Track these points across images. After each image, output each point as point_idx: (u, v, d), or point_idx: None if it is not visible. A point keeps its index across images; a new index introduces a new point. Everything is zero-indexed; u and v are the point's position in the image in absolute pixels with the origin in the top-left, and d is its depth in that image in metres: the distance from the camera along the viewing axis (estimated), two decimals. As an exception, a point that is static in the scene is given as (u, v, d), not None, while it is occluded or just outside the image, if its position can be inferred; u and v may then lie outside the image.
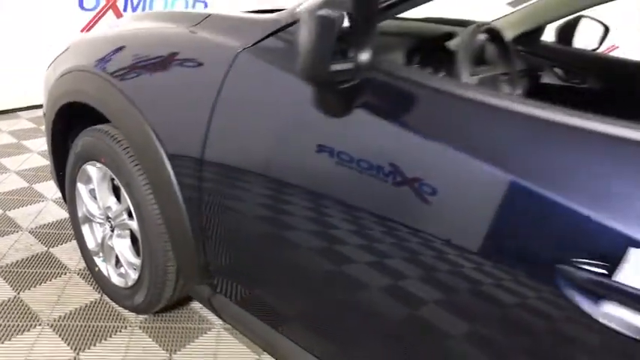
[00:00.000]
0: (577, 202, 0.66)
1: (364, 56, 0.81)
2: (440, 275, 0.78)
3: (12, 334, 1.47)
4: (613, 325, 0.63)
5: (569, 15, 2.01)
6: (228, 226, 1.16)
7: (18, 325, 1.50)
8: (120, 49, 1.37)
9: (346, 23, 0.76)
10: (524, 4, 1.94)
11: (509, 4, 1.93)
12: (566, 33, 2.06)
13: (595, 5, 1.95)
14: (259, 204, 1.06)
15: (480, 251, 0.73)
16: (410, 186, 0.79)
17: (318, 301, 1.05)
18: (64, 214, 2.12)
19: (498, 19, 2.04)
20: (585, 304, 0.65)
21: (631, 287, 0.61)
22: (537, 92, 2.01)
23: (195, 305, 1.68)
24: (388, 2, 0.86)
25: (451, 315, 0.80)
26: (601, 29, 2.12)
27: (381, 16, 0.90)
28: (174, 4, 3.76)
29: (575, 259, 0.65)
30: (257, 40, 1.04)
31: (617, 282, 0.62)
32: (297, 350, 1.12)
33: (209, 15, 1.27)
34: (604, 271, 0.63)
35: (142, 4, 3.58)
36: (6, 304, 1.58)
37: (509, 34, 2.02)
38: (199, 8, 3.92)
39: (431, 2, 0.98)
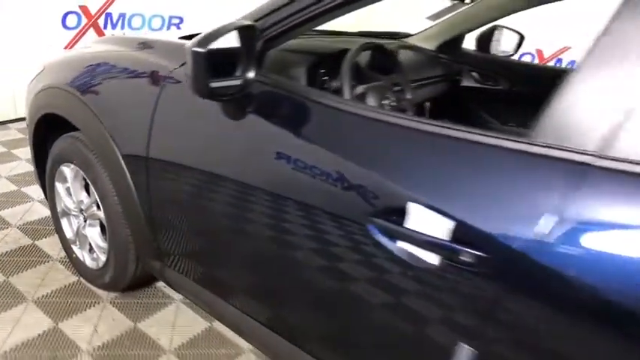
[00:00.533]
0: (382, 175, 0.95)
1: (250, 74, 1.11)
2: (294, 233, 1.08)
3: (2, 310, 1.75)
4: (406, 259, 0.92)
5: (485, 25, 2.31)
6: (170, 212, 1.45)
7: (7, 302, 1.79)
8: (85, 69, 1.66)
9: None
10: (442, 18, 2.24)
11: (429, 18, 2.22)
12: (484, 41, 2.36)
13: (506, 16, 2.25)
14: (192, 193, 1.35)
15: (324, 216, 1.03)
16: (282, 165, 1.09)
17: (250, 271, 1.33)
18: (47, 212, 2.40)
19: (421, 31, 2.34)
20: (389, 245, 0.94)
21: (411, 230, 0.90)
22: (457, 93, 2.31)
23: (160, 284, 1.96)
24: (271, 35, 1.15)
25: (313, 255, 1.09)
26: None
27: (271, 43, 1.19)
28: (151, 21, 4.06)
29: (381, 214, 0.95)
30: (182, 62, 1.33)
31: (405, 227, 0.91)
32: (240, 315, 1.38)
33: (157, 41, 1.56)
34: (399, 219, 0.92)
35: (121, 21, 3.88)
36: (-3, 287, 1.87)
37: (431, 44, 2.33)
38: (174, 25, 4.21)
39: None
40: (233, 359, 1.65)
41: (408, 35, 2.36)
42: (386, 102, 1.49)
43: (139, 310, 1.82)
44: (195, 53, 0.98)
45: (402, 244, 0.93)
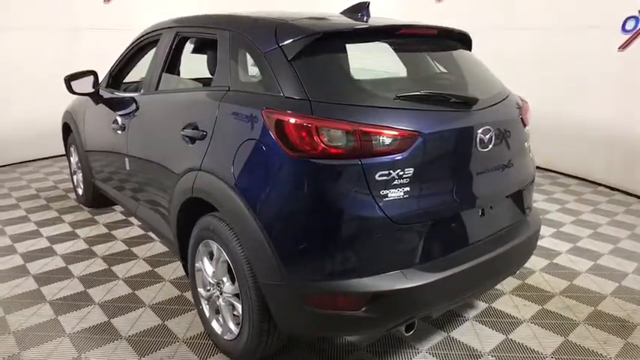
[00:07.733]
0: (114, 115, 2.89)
1: (96, 87, 3.18)
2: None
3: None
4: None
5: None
6: (93, 159, 3.56)
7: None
8: (76, 101, 3.82)
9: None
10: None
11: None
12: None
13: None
14: (97, 147, 3.43)
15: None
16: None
17: (118, 175, 3.28)
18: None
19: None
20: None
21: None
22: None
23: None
24: (114, 74, 3.25)
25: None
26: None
27: (115, 78, 3.27)
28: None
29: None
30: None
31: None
32: (127, 200, 3.32)
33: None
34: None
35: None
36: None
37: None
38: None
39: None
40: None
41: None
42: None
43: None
44: (65, 80, 3.09)
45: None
